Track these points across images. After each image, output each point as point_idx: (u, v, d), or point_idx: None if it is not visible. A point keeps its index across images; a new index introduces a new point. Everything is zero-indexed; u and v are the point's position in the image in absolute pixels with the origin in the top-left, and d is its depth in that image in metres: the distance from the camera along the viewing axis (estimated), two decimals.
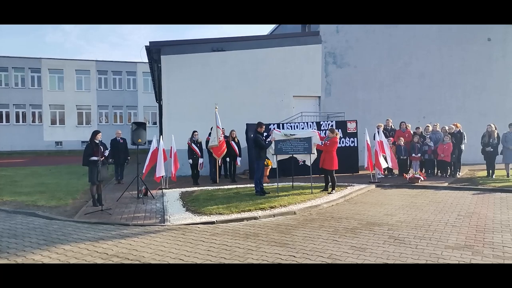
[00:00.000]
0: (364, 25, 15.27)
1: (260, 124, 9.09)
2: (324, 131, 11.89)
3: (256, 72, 14.23)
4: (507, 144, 10.85)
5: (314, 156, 9.38)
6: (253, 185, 9.04)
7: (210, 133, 11.21)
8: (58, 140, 32.31)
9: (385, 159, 10.69)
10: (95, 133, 7.95)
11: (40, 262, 4.63)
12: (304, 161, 9.80)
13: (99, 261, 4.64)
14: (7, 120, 31.63)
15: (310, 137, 9.38)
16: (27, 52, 59.58)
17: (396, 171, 11.92)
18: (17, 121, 31.85)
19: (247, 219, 6.68)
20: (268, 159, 9.70)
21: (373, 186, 10.10)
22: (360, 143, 12.45)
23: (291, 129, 12.06)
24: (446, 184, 10.12)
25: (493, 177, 10.99)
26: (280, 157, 9.56)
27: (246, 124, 12.01)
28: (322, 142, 9.49)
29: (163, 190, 9.96)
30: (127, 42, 70.67)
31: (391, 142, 11.65)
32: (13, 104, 31.55)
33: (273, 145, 9.33)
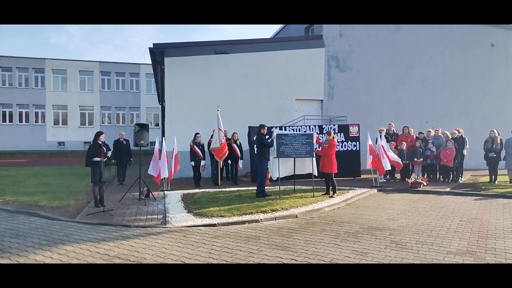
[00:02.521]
0: (367, 29, 15.32)
1: (262, 126, 9.11)
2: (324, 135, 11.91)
3: (259, 75, 14.26)
4: (510, 150, 10.82)
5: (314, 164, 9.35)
6: (255, 188, 9.01)
7: (212, 135, 11.24)
8: (61, 140, 32.41)
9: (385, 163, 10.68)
10: (98, 134, 7.98)
11: (42, 263, 4.64)
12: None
13: (101, 262, 4.64)
14: (10, 120, 31.76)
15: (312, 134, 9.41)
16: (31, 53, 59.92)
17: (398, 176, 11.90)
18: (20, 121, 31.97)
19: (249, 222, 6.68)
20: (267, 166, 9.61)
21: (375, 191, 10.09)
22: (362, 147, 12.45)
23: (293, 132, 12.06)
24: (448, 189, 10.09)
25: (496, 182, 10.98)
26: (282, 173, 9.42)
27: (249, 127, 12.03)
28: (319, 146, 9.48)
29: (165, 191, 9.98)
30: (130, 44, 70.99)
31: (393, 147, 11.66)
32: (17, 104, 31.69)
33: (275, 144, 9.29)
